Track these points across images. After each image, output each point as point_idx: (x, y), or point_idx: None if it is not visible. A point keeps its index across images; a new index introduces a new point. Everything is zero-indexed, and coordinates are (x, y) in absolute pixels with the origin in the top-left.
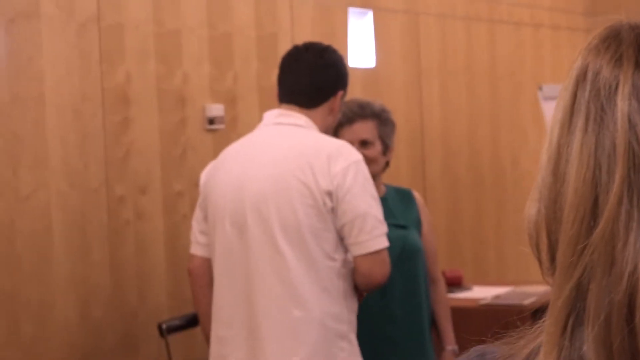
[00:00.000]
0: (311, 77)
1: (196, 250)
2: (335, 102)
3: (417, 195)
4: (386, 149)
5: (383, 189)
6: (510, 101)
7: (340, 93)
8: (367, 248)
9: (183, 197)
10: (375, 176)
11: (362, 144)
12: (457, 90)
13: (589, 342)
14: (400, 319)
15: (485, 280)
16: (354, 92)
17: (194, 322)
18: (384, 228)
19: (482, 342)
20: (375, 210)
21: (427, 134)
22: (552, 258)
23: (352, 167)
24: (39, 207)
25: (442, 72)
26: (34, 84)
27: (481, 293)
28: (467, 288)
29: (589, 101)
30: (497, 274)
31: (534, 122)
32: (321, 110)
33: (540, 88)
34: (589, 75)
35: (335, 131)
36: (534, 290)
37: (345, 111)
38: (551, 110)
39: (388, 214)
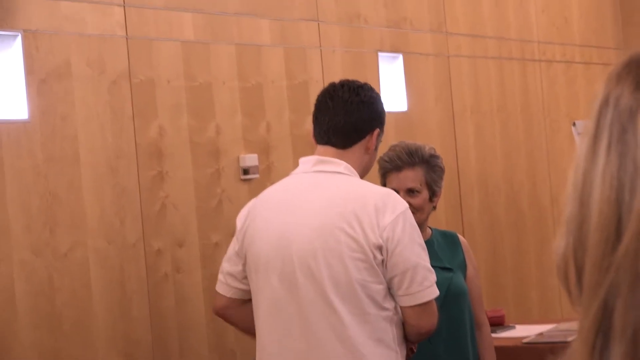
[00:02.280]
0: (346, 115)
1: (223, 290)
2: (372, 140)
3: (462, 239)
4: (433, 194)
5: (429, 232)
6: (545, 139)
7: (377, 131)
8: (418, 299)
9: (220, 248)
10: (421, 222)
11: (409, 192)
12: (491, 130)
13: None
14: None
15: (528, 319)
16: (388, 136)
17: None
18: (433, 277)
19: None
20: (425, 261)
21: (463, 175)
22: (580, 286)
23: (400, 218)
24: (77, 265)
25: (476, 113)
26: (68, 143)
27: (524, 332)
28: (510, 327)
29: (612, 125)
30: (540, 312)
31: (571, 159)
32: (357, 150)
33: (574, 124)
34: (611, 101)
35: (382, 177)
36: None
37: (393, 157)
38: None
39: (433, 256)
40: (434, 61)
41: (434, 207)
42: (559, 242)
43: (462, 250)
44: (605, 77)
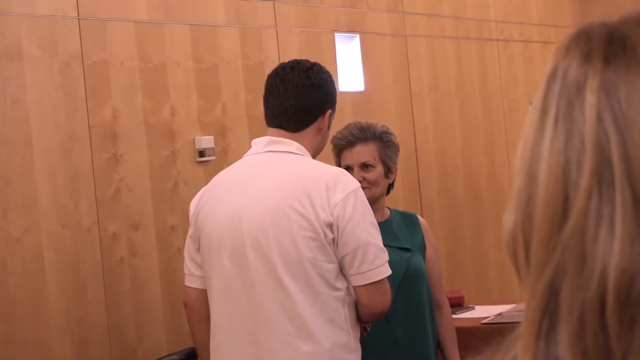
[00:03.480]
0: (297, 100)
1: (190, 282)
2: (324, 122)
3: (422, 220)
4: (388, 171)
5: (387, 212)
6: (504, 118)
7: (329, 112)
8: (369, 278)
9: (176, 231)
10: (378, 199)
11: (363, 167)
12: (449, 110)
13: (563, 342)
14: (404, 344)
15: (487, 300)
16: (344, 116)
17: (193, 356)
18: (385, 256)
19: None
20: (376, 239)
21: (421, 155)
22: (529, 264)
23: (351, 196)
24: (31, 249)
25: (434, 93)
26: (19, 126)
27: (483, 312)
28: (470, 308)
29: (559, 98)
30: (499, 292)
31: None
32: (310, 132)
33: (531, 103)
34: (559, 74)
35: (337, 154)
36: None
37: (346, 134)
38: None
39: (392, 237)
40: (391, 41)
41: (392, 186)
42: (508, 217)
43: (421, 231)
44: (554, 49)
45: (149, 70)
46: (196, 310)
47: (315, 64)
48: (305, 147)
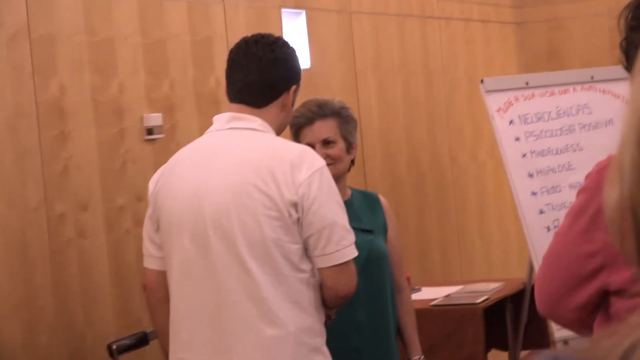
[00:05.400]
0: (261, 74)
1: (149, 263)
2: (288, 98)
3: (383, 199)
4: (350, 146)
5: (349, 192)
6: (445, 98)
7: (294, 88)
8: (335, 260)
9: (125, 212)
10: (341, 176)
11: (325, 144)
12: (393, 89)
13: None
14: (366, 327)
15: (431, 281)
16: None
17: (144, 340)
18: (351, 237)
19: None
20: (343, 219)
21: (365, 134)
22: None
23: (316, 174)
24: None
25: (378, 71)
26: None
27: (431, 294)
28: (416, 289)
29: None
30: (442, 273)
31: (470, 117)
32: (274, 108)
33: (481, 81)
34: None
35: (295, 133)
36: (485, 288)
37: (304, 112)
38: (496, 104)
39: (354, 217)
40: (337, 18)
41: (353, 162)
42: (610, 192)
43: (383, 211)
44: None
45: (96, 44)
46: (155, 292)
47: (279, 38)
48: (268, 123)
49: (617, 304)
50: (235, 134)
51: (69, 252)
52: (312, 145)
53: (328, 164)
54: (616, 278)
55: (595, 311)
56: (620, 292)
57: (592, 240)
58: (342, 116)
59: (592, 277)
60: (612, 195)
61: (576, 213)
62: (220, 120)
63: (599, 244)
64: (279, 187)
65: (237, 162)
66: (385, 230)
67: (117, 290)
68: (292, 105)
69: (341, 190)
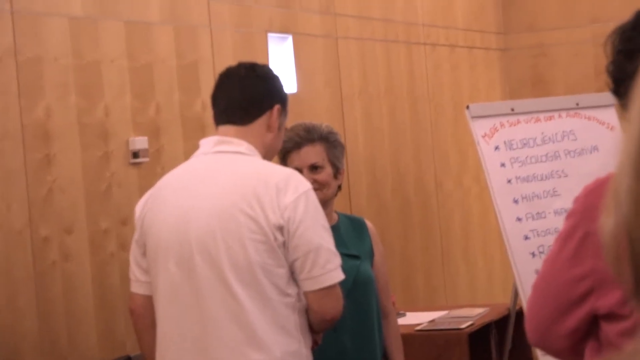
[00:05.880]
0: (243, 90)
1: (136, 288)
2: (272, 117)
3: (370, 225)
4: (337, 172)
5: (335, 216)
6: (430, 123)
7: (277, 107)
8: (321, 283)
9: (110, 235)
10: (328, 202)
11: (312, 169)
12: (379, 114)
13: None
14: (352, 352)
15: (416, 306)
16: None
17: None
18: (338, 261)
19: None
20: (328, 243)
21: (352, 160)
22: (636, 272)
23: (302, 198)
24: None
25: (364, 96)
26: None
27: (415, 319)
28: (401, 314)
29: None
30: (426, 298)
31: (455, 143)
32: (258, 127)
33: (467, 107)
34: None
35: (283, 157)
36: (469, 314)
37: (292, 136)
38: (481, 129)
39: (340, 243)
40: (323, 42)
41: (339, 187)
42: (607, 220)
43: (369, 236)
44: None
45: (83, 67)
46: (142, 317)
47: (264, 65)
48: (255, 145)
49: (607, 329)
50: (222, 158)
51: (53, 275)
52: (300, 170)
53: (315, 189)
54: (605, 301)
55: (585, 338)
56: (609, 316)
57: (580, 263)
58: (329, 141)
59: (582, 301)
60: (608, 222)
61: (564, 238)
62: (207, 143)
63: (588, 267)
64: (265, 211)
65: (223, 186)
66: (371, 255)
67: (101, 314)
68: (280, 128)
69: (328, 215)
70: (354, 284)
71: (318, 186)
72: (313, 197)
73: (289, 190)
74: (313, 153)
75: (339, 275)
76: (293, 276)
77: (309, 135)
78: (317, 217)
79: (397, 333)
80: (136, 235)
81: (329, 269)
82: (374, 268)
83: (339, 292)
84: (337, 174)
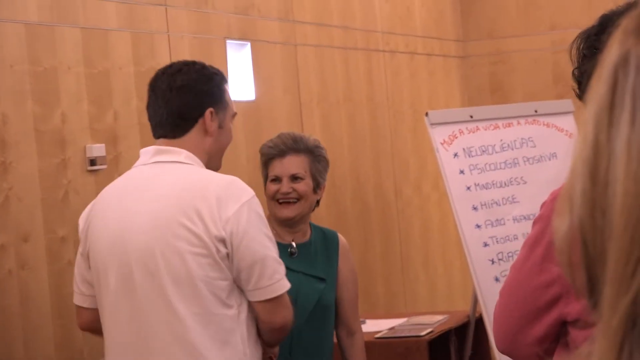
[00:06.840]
0: (167, 106)
1: (80, 302)
2: (206, 122)
3: (342, 241)
4: (317, 186)
5: (309, 232)
6: (390, 130)
7: (209, 111)
8: (269, 293)
9: (67, 243)
10: (304, 217)
11: (293, 179)
12: (338, 122)
13: None
14: None
15: (375, 313)
16: (235, 126)
17: None
18: (283, 270)
19: None
20: (273, 252)
21: None
22: (589, 275)
23: (244, 207)
24: None
25: (323, 103)
26: None
27: (375, 326)
28: (361, 322)
29: (635, 89)
30: (386, 305)
31: (414, 150)
32: (194, 137)
33: (426, 114)
34: (632, 61)
35: (265, 163)
36: (429, 321)
37: (278, 144)
38: (440, 136)
39: (309, 264)
40: (282, 49)
41: (318, 202)
42: (560, 222)
43: (337, 256)
44: (617, 32)
45: (39, 74)
46: (95, 331)
47: (187, 64)
48: (195, 152)
49: (574, 334)
50: (160, 168)
51: (9, 284)
52: (280, 179)
53: (292, 202)
54: (573, 308)
55: (553, 344)
56: (577, 322)
57: (548, 269)
58: (314, 155)
59: (550, 308)
60: (561, 226)
61: (531, 244)
62: (146, 153)
63: (556, 273)
64: (205, 223)
65: (161, 199)
66: (336, 278)
67: (58, 322)
68: (221, 126)
69: (301, 231)
70: (315, 307)
71: (296, 197)
72: (255, 205)
73: (230, 200)
74: (296, 163)
75: (286, 285)
76: (239, 287)
77: (295, 145)
78: (260, 226)
79: (362, 352)
80: (81, 248)
81: (277, 279)
82: (340, 286)
83: (287, 300)
84: (317, 189)
